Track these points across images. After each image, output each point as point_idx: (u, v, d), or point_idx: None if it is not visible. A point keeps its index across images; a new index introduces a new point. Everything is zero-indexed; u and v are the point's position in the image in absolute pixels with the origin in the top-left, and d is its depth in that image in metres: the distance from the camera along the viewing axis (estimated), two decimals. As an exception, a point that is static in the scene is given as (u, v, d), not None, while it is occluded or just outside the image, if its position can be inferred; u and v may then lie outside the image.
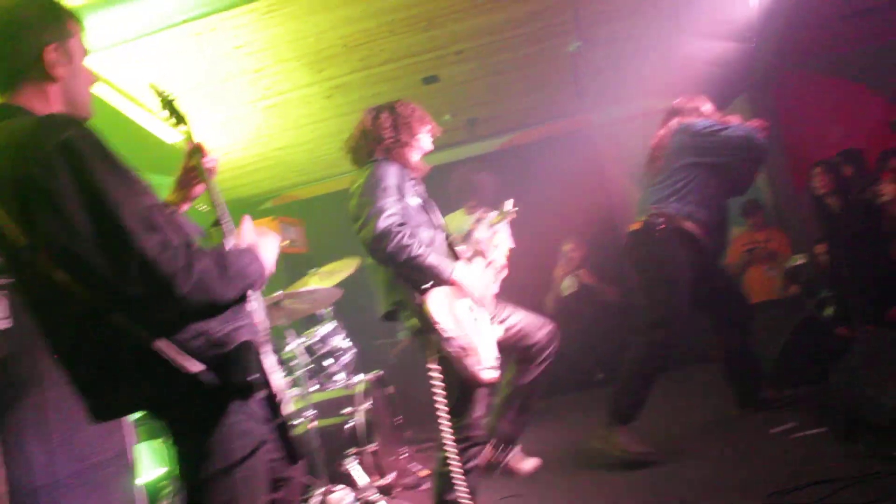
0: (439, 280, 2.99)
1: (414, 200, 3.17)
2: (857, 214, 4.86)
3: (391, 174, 3.09)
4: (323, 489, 3.68)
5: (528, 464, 3.87)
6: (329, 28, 4.53)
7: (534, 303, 6.13)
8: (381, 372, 4.50)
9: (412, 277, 2.99)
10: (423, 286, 2.95)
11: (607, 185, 7.19)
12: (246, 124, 5.81)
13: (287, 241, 6.66)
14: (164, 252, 1.60)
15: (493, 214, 3.71)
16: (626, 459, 3.71)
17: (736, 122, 4.03)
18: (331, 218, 7.37)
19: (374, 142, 3.28)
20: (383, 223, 2.91)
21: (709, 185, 3.99)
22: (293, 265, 6.37)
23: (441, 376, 2.96)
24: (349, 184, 3.20)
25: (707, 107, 4.22)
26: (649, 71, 5.87)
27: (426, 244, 3.02)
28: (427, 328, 2.90)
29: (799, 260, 6.34)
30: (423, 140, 3.37)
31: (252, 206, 8.03)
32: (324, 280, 4.64)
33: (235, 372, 1.73)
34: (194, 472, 1.76)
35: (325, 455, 3.89)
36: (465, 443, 3.04)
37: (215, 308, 1.73)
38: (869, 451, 3.14)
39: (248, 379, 1.74)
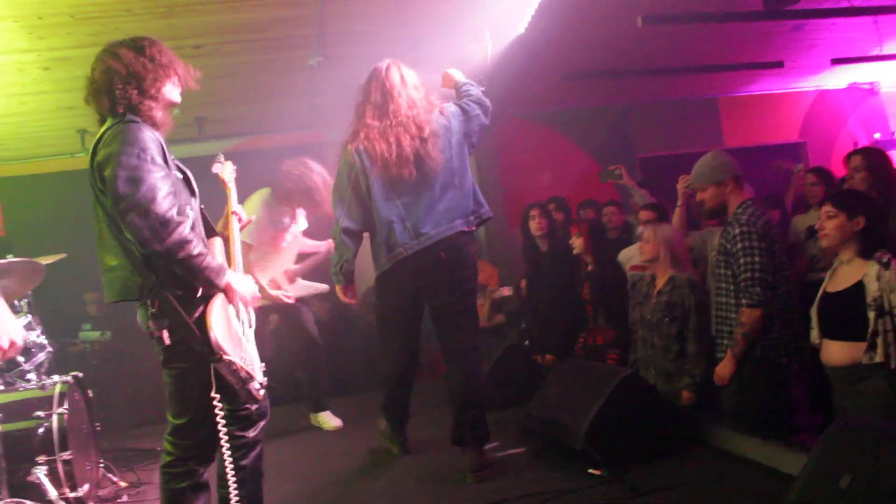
0: (211, 287, 2.56)
1: (177, 173, 2.72)
2: (558, 258, 5.39)
3: (150, 139, 2.56)
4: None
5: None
6: (57, -9, 4.10)
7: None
8: (81, 374, 4.11)
9: (180, 278, 2.52)
10: (196, 293, 2.54)
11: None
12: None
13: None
14: None
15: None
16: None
17: None
18: (36, 201, 6.82)
19: (116, 92, 2.62)
20: (161, 207, 2.43)
21: None
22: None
23: (219, 407, 2.56)
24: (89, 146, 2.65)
25: None
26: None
27: (201, 238, 2.65)
28: (204, 352, 2.49)
29: (504, 292, 6.86)
30: (172, 93, 2.78)
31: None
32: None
33: None
34: None
35: (8, 462, 3.47)
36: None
37: None
38: (566, 469, 3.50)
39: None
